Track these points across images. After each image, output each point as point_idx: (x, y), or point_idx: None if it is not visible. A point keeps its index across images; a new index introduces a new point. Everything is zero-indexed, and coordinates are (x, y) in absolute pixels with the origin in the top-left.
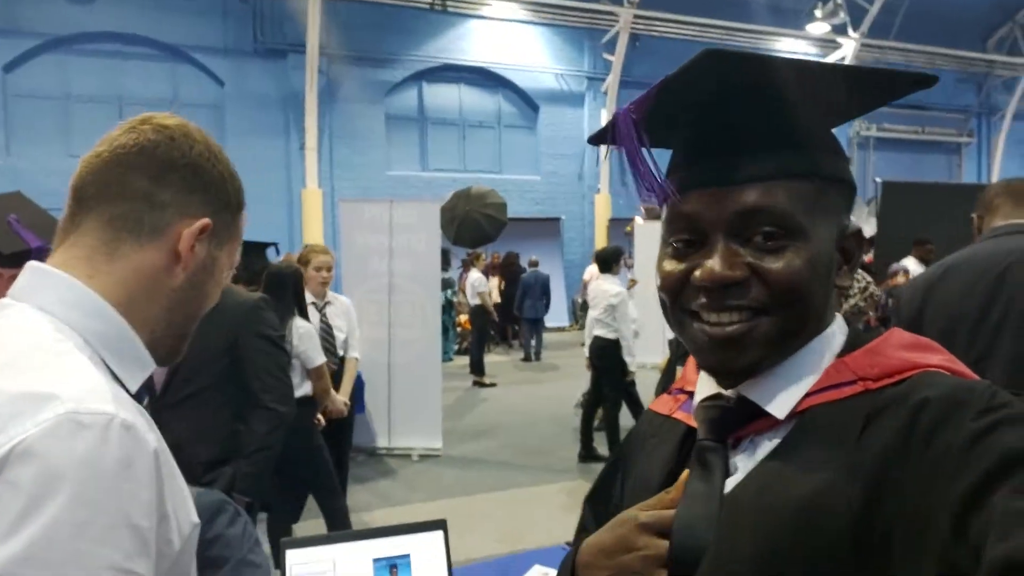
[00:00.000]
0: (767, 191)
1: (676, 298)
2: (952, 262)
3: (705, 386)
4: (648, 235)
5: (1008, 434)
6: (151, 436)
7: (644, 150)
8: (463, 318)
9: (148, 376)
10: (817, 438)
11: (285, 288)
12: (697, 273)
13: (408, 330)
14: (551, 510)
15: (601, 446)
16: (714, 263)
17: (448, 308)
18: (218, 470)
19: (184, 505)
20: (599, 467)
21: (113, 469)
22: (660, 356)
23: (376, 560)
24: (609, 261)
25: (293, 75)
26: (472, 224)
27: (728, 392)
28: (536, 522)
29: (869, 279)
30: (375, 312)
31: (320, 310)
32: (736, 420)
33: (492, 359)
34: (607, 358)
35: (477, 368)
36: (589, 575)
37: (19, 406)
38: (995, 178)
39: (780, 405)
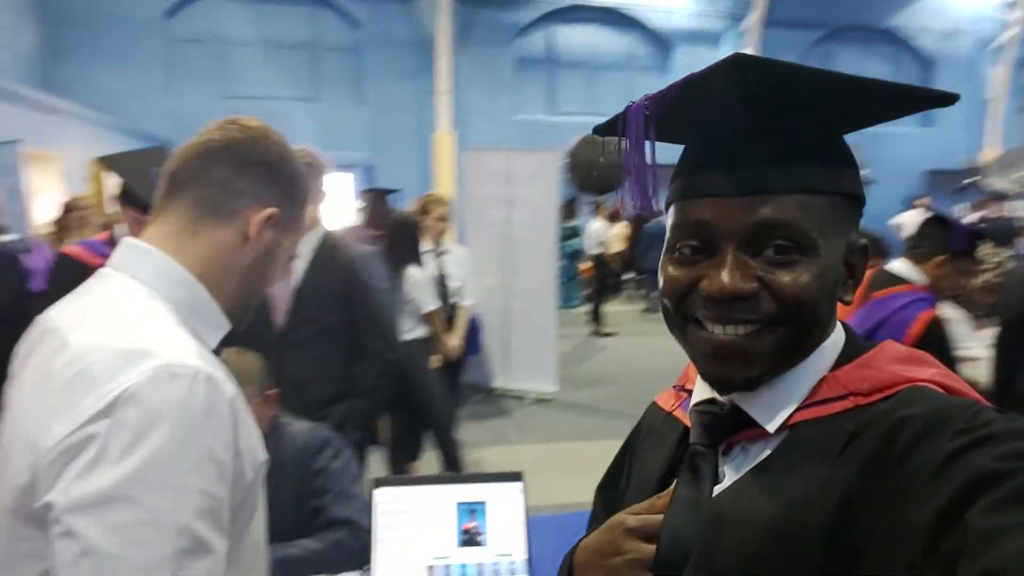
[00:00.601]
0: (782, 204)
1: (679, 305)
2: None
3: (701, 390)
4: None
5: (981, 454)
6: (228, 387)
7: (648, 151)
8: (584, 266)
9: (257, 322)
10: (803, 453)
11: (404, 237)
12: (705, 284)
13: (524, 278)
14: None
15: None
16: (725, 275)
17: (575, 256)
18: (331, 407)
19: (254, 444)
20: None
21: (200, 412)
22: None
23: (460, 504)
24: None
25: (426, 18)
26: (597, 170)
27: (722, 399)
28: None
29: (1010, 254)
30: (493, 260)
31: (437, 257)
32: (728, 427)
33: (614, 309)
34: None
35: (595, 317)
36: (583, 574)
37: (124, 360)
38: None
39: (771, 418)
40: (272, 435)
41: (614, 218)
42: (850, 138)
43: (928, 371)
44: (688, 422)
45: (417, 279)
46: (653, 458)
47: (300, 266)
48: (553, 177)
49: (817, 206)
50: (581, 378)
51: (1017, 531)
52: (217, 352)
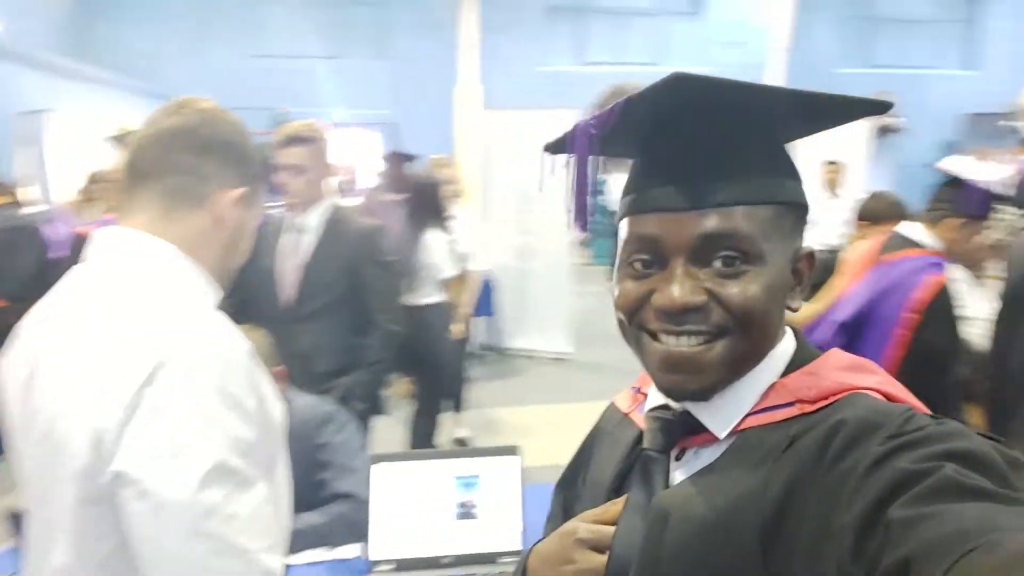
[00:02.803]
0: (727, 216)
1: (633, 318)
2: None
3: (656, 395)
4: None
5: (905, 457)
6: (245, 341)
7: (590, 171)
8: None
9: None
10: (746, 456)
11: (426, 200)
12: (657, 297)
13: (541, 238)
14: None
15: None
16: (675, 288)
17: (606, 212)
18: (337, 380)
19: (273, 394)
20: None
21: (226, 365)
22: None
23: (458, 478)
24: None
25: None
26: None
27: (675, 404)
28: None
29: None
30: (512, 220)
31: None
32: (680, 432)
33: None
34: None
35: (609, 273)
36: None
37: (154, 331)
38: None
39: (721, 424)
40: None
41: None
42: (883, 82)
43: (872, 379)
44: (643, 425)
45: (430, 245)
46: (607, 461)
47: (309, 240)
48: None
49: (762, 216)
50: (597, 336)
51: (935, 518)
52: None
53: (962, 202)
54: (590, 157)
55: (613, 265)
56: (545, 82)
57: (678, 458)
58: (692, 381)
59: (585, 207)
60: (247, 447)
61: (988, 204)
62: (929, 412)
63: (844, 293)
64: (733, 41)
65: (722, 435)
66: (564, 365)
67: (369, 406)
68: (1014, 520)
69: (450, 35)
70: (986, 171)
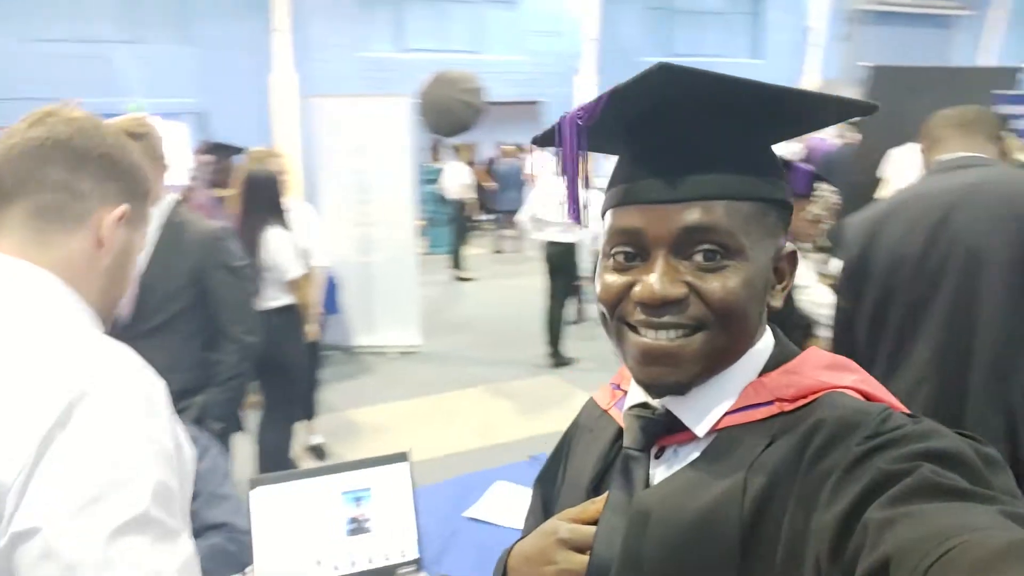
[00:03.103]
0: (710, 209)
1: (614, 310)
2: (897, 200)
3: (635, 393)
4: None
5: (882, 458)
6: (158, 378)
7: (580, 161)
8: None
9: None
10: (725, 456)
11: (262, 196)
12: (637, 289)
13: (382, 228)
14: (527, 404)
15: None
16: (655, 281)
17: (442, 199)
18: (189, 400)
19: (185, 435)
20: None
21: (149, 403)
22: None
23: (345, 493)
24: None
25: None
26: (448, 111)
27: (655, 402)
28: (511, 417)
29: (835, 190)
30: (349, 211)
31: None
32: (660, 430)
33: (470, 252)
34: (568, 259)
35: (456, 262)
36: None
37: (62, 371)
38: (990, 60)
39: (701, 422)
40: None
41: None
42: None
43: (849, 377)
44: (622, 422)
45: (273, 243)
46: (586, 458)
47: (145, 248)
48: (404, 121)
49: (745, 212)
50: (444, 326)
51: (912, 518)
52: None
53: (791, 181)
54: (579, 149)
55: (452, 253)
56: (366, 67)
57: (658, 456)
58: (671, 374)
59: (577, 199)
60: (169, 496)
61: (811, 183)
62: (907, 411)
63: None
64: (548, 30)
65: (701, 433)
66: (414, 358)
67: (227, 425)
68: (989, 519)
69: (261, 19)
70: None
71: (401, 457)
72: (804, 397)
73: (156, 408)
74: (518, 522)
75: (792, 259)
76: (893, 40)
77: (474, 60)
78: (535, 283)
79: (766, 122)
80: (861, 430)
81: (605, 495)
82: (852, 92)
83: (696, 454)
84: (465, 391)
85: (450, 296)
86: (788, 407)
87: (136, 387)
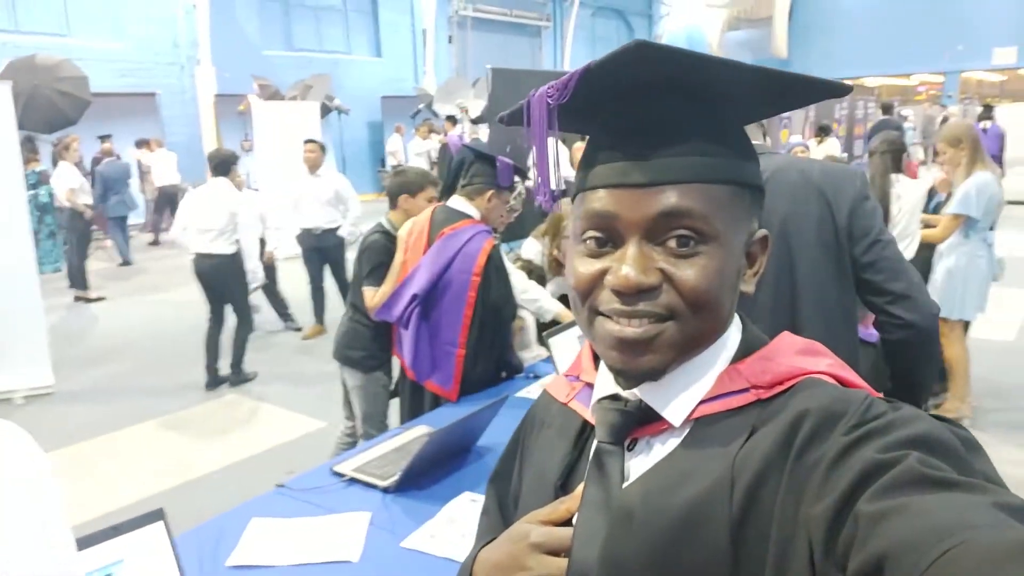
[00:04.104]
0: (685, 193)
1: (587, 298)
2: None
3: (605, 385)
4: (267, 114)
5: (870, 447)
6: None
7: (552, 144)
8: None
9: None
10: (706, 447)
11: None
12: (610, 278)
13: None
14: (216, 428)
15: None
16: (628, 268)
17: (49, 209)
18: None
19: None
20: (257, 380)
21: None
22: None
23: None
24: (227, 164)
25: None
26: (44, 104)
27: (626, 393)
28: (202, 446)
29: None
30: None
31: None
32: (633, 422)
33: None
34: (229, 275)
35: (78, 281)
36: None
37: None
38: (568, 64)
39: (676, 411)
40: None
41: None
42: (306, 65)
43: (823, 362)
44: (586, 415)
45: None
46: (550, 454)
47: None
48: (7, 114)
49: (719, 195)
50: (81, 360)
51: (904, 512)
52: None
53: (498, 175)
54: (550, 129)
55: (74, 270)
56: None
57: (631, 448)
58: (644, 362)
59: (549, 181)
60: None
61: (513, 176)
62: (880, 395)
63: (413, 267)
64: (156, 16)
65: (677, 422)
66: (48, 401)
67: None
68: (985, 514)
69: None
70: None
71: (156, 516)
72: (780, 384)
73: None
74: (297, 558)
75: (764, 243)
76: (493, 45)
77: (60, 44)
78: (185, 296)
79: (740, 103)
80: (846, 419)
81: (578, 492)
82: (468, 91)
83: (673, 445)
84: (134, 429)
85: (80, 322)
86: (765, 394)
87: None
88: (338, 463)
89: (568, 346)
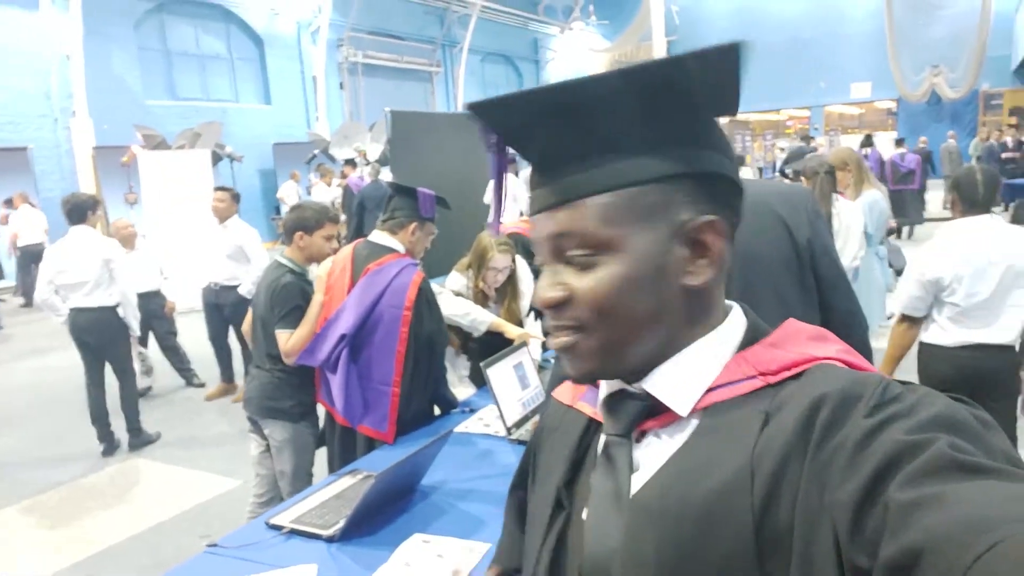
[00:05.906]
0: (574, 211)
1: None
2: None
3: (610, 382)
4: (153, 164)
5: (895, 429)
6: None
7: (499, 172)
8: None
9: None
10: (719, 436)
11: None
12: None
13: None
14: (120, 496)
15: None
16: (540, 287)
17: None
18: None
19: None
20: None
21: None
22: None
23: None
24: (84, 209)
25: None
26: None
27: (632, 387)
28: (108, 515)
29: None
30: None
31: None
32: (640, 414)
33: None
34: (109, 329)
35: None
36: None
37: None
38: (460, 108)
39: (682, 400)
40: None
41: None
42: (191, 113)
43: (833, 348)
44: (591, 412)
45: None
46: (556, 454)
47: None
48: None
49: (609, 203)
50: None
51: (937, 502)
52: None
53: (420, 207)
54: (499, 170)
55: None
56: None
57: (638, 441)
58: (577, 367)
59: (500, 206)
60: None
61: (434, 207)
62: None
63: (337, 307)
64: (27, 67)
65: (684, 412)
66: None
67: None
68: None
69: None
70: (327, 193)
71: None
72: (788, 369)
73: None
74: None
75: (714, 227)
76: (386, 90)
77: None
78: (67, 359)
79: (618, 111)
80: (865, 401)
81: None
82: (365, 135)
83: (682, 435)
84: (30, 502)
85: None
86: (773, 380)
87: None
88: (273, 515)
89: (505, 376)
